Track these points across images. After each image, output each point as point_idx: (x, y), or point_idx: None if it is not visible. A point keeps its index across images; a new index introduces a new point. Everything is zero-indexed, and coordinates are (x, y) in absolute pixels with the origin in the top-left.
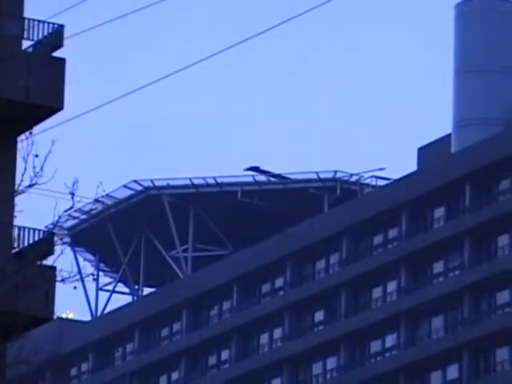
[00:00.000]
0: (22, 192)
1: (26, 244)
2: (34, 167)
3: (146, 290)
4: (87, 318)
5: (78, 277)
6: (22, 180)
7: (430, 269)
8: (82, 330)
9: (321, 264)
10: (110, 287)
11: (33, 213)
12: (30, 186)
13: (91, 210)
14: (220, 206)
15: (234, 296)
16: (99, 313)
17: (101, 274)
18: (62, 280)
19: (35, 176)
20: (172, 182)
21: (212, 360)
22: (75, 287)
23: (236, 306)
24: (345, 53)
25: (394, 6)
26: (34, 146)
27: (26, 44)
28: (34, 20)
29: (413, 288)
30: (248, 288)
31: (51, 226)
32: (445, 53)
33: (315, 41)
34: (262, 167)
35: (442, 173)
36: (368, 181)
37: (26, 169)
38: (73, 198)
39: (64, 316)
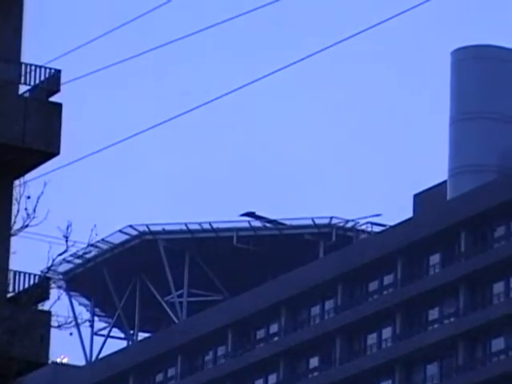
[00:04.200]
0: (15, 234)
1: (21, 288)
2: (26, 209)
3: (141, 335)
4: (82, 362)
5: (73, 323)
6: (14, 222)
7: (426, 315)
8: (77, 375)
9: (316, 310)
10: (105, 332)
11: (27, 256)
12: (23, 228)
13: (85, 253)
14: (215, 252)
15: (228, 341)
16: (94, 357)
17: (96, 318)
18: (59, 326)
19: (28, 218)
20: (167, 227)
21: None
22: (71, 333)
23: (231, 351)
24: (341, 100)
25: (389, 52)
26: (28, 189)
27: (22, 89)
28: (31, 65)
29: (408, 335)
30: (243, 333)
31: (45, 270)
32: (441, 99)
33: (310, 87)
34: (258, 213)
35: (438, 219)
36: (364, 227)
37: (18, 211)
38: (67, 241)
39: (59, 360)
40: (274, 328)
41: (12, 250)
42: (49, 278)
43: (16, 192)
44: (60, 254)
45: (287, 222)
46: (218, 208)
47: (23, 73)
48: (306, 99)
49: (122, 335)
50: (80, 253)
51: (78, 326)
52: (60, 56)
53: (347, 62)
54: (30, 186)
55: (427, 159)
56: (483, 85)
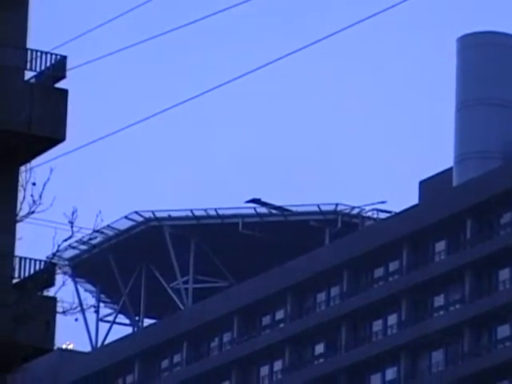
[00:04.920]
0: (21, 220)
1: (26, 274)
2: (32, 195)
3: (147, 322)
4: (87, 348)
5: (79, 309)
6: (20, 209)
7: (431, 302)
8: (82, 361)
9: (321, 297)
10: (110, 318)
11: (32, 242)
12: (29, 214)
13: (90, 239)
14: (221, 238)
15: (234, 328)
16: (99, 344)
17: (101, 304)
18: (64, 312)
19: (34, 204)
20: (173, 214)
21: None
22: (76, 319)
23: (236, 338)
24: (346, 86)
25: (396, 39)
26: (34, 175)
27: (28, 75)
28: (36, 51)
29: (413, 321)
30: (248, 320)
31: (51, 256)
32: (447, 86)
33: (314, 75)
34: (264, 199)
35: (444, 206)
36: (369, 214)
37: (24, 197)
38: (72, 227)
39: (64, 347)
40: (279, 314)
41: (18, 236)
42: (54, 264)
43: (22, 178)
44: (65, 240)
45: (293, 209)
46: (223, 194)
47: (29, 59)
48: (311, 86)
49: (128, 321)
50: (85, 239)
51: (83, 312)
52: (66, 42)
53: (352, 49)
54: (35, 173)
55: (433, 146)
56: (488, 71)
